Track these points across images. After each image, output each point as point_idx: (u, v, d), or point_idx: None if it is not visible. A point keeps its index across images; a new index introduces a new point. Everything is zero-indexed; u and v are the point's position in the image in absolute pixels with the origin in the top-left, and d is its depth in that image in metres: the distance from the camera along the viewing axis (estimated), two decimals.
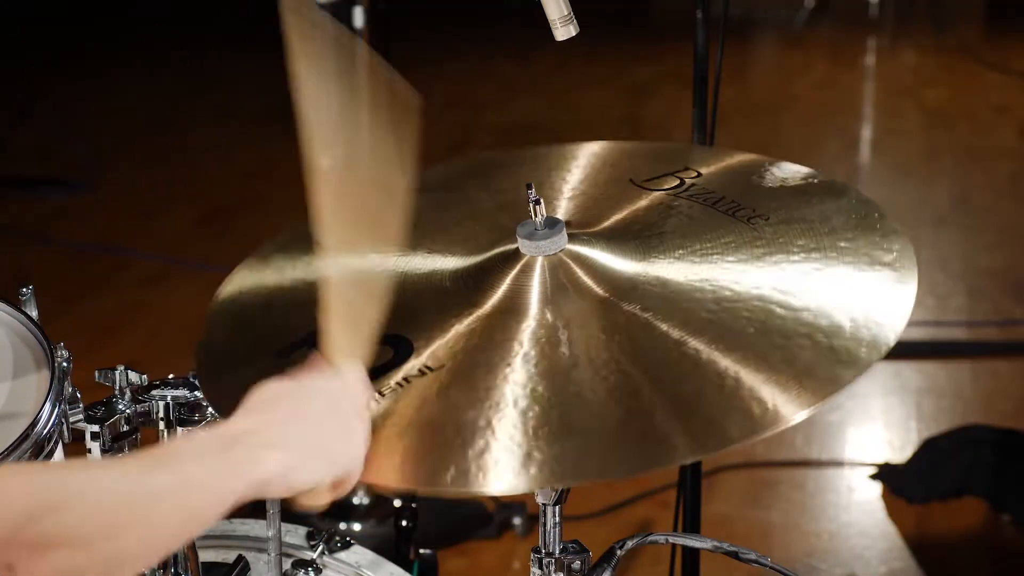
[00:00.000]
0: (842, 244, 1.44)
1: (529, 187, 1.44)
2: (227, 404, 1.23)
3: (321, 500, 1.19)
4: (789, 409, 1.22)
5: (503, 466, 1.21)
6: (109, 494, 1.01)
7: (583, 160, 1.68)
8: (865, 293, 1.36)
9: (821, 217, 1.49)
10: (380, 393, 1.30)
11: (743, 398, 1.23)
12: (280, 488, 1.13)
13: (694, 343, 1.30)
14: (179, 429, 1.49)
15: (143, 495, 1.02)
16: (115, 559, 1.01)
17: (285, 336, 1.43)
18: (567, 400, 1.26)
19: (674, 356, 1.29)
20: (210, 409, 1.48)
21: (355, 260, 1.32)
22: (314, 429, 1.16)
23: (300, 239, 1.59)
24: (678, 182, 1.60)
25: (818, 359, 1.27)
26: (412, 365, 1.34)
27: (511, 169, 1.70)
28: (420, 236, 1.57)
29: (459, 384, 1.30)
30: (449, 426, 1.25)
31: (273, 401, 1.16)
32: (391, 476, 1.26)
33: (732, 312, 1.34)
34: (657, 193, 1.58)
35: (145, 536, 1.03)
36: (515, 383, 1.29)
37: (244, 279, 1.56)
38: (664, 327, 1.33)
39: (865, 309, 1.33)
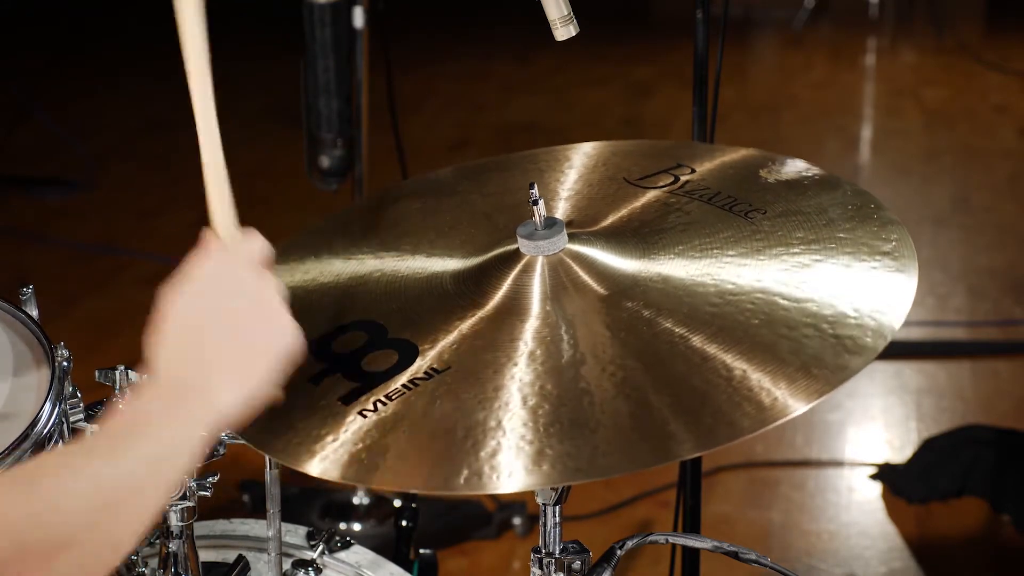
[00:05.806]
0: (840, 235, 1.44)
1: (532, 186, 1.44)
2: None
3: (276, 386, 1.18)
4: (799, 398, 1.22)
5: (515, 465, 1.20)
6: (90, 495, 1.02)
7: (576, 161, 1.69)
8: (867, 282, 1.37)
9: (818, 209, 1.49)
10: (388, 397, 1.30)
11: (752, 389, 1.23)
12: (248, 405, 1.14)
13: (700, 336, 1.30)
14: None
15: (122, 482, 1.04)
16: (112, 543, 1.04)
17: None
18: (576, 397, 1.26)
19: (680, 350, 1.29)
20: None
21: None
22: (246, 333, 1.16)
23: (294, 249, 1.60)
24: (672, 179, 1.60)
25: (825, 348, 1.27)
26: (418, 368, 1.34)
27: (504, 173, 1.70)
28: (419, 240, 1.57)
29: (467, 385, 1.30)
30: (459, 428, 1.25)
31: (195, 330, 1.15)
32: (404, 480, 1.27)
33: (736, 305, 1.34)
34: (653, 191, 1.58)
35: (134, 513, 1.05)
36: (523, 382, 1.29)
37: None
38: (668, 322, 1.33)
39: (868, 298, 1.34)
